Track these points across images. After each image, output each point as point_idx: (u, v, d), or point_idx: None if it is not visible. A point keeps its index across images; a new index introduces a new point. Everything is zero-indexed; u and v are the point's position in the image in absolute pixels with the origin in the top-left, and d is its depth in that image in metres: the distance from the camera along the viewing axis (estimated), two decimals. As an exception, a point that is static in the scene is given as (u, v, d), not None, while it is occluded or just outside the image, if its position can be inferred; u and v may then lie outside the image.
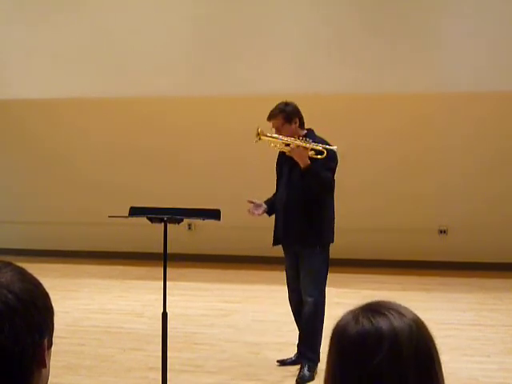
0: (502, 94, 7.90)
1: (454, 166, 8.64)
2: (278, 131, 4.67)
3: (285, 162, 4.74)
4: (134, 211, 4.13)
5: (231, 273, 8.39)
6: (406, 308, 1.24)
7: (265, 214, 4.82)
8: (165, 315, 4.00)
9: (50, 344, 1.15)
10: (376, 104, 8.54)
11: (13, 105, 9.30)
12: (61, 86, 8.10)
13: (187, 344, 5.39)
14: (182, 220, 4.01)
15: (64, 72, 8.04)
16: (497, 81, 7.21)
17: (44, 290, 1.15)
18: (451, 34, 7.31)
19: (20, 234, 9.73)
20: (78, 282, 7.87)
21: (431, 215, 8.69)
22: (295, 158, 4.53)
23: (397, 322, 1.18)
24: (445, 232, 8.76)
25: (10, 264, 1.15)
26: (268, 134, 4.65)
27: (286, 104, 4.70)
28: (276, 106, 4.71)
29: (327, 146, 4.56)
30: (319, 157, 4.53)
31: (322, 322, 4.64)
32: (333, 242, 4.74)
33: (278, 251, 4.98)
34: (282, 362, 4.89)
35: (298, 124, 4.68)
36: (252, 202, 4.77)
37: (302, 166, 4.49)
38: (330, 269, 4.73)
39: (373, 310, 1.22)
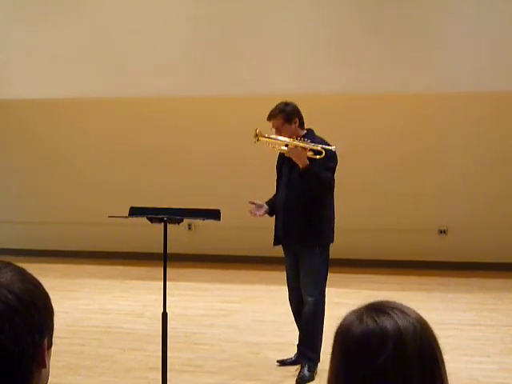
0: (502, 94, 7.89)
1: (454, 166, 8.64)
2: (278, 131, 4.67)
3: (285, 162, 4.73)
4: (134, 211, 4.13)
5: (231, 273, 8.39)
6: (409, 308, 1.24)
7: (266, 214, 4.83)
8: (165, 315, 4.00)
9: (50, 344, 1.15)
10: (376, 104, 8.54)
11: (13, 105, 9.30)
12: (61, 86, 8.10)
13: (187, 344, 5.39)
14: (181, 220, 4.01)
15: (64, 72, 8.04)
16: (497, 81, 7.21)
17: (44, 290, 1.15)
18: (451, 34, 7.31)
19: (20, 234, 9.73)
20: (77, 282, 7.87)
21: (431, 215, 8.69)
22: (294, 159, 4.52)
23: (401, 322, 1.19)
24: (445, 232, 8.76)
25: (10, 264, 1.15)
26: (266, 135, 4.64)
27: (286, 104, 4.70)
28: (276, 106, 4.71)
29: (326, 146, 4.56)
30: (318, 157, 4.53)
31: (322, 322, 4.64)
32: (333, 241, 4.74)
33: (278, 251, 4.98)
34: (282, 362, 4.89)
35: (297, 124, 4.67)
36: (253, 203, 4.77)
37: (300, 166, 4.49)
38: (330, 269, 4.73)
39: (377, 309, 1.22)
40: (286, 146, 4.60)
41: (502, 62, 7.16)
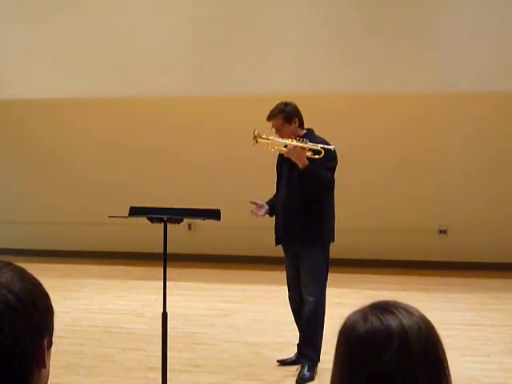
0: (501, 94, 7.90)
1: (454, 166, 8.64)
2: (278, 131, 4.67)
3: (284, 162, 4.73)
4: (134, 211, 4.13)
5: (231, 273, 8.39)
6: (413, 307, 1.24)
7: (266, 214, 4.83)
8: (165, 315, 4.00)
9: (50, 344, 1.15)
10: (376, 104, 8.54)
11: (13, 105, 9.30)
12: (61, 86, 8.10)
13: (187, 344, 5.39)
14: (181, 220, 4.01)
15: (64, 72, 8.04)
16: (497, 81, 7.21)
17: (44, 290, 1.15)
18: (451, 33, 7.31)
19: (20, 234, 9.73)
20: (77, 282, 7.87)
21: (431, 215, 8.69)
22: (293, 159, 4.52)
23: (406, 320, 1.19)
24: (445, 232, 8.76)
25: (9, 264, 1.15)
26: (263, 136, 4.64)
27: (286, 104, 4.70)
28: (276, 106, 4.71)
29: (325, 146, 4.55)
30: (317, 157, 4.52)
31: (323, 322, 4.64)
32: (333, 241, 4.74)
33: (278, 251, 4.98)
34: (282, 362, 4.89)
35: (297, 124, 4.67)
36: (254, 203, 4.77)
37: (300, 166, 4.49)
38: (330, 269, 4.73)
39: (381, 308, 1.22)
40: (285, 146, 4.60)
41: (501, 62, 7.16)
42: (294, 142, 4.54)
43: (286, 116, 4.64)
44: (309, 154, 4.52)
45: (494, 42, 7.14)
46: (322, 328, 4.64)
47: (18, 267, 1.15)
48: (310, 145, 4.53)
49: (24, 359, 1.07)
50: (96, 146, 9.45)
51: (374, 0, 7.47)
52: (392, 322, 1.18)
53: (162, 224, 3.96)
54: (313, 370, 4.61)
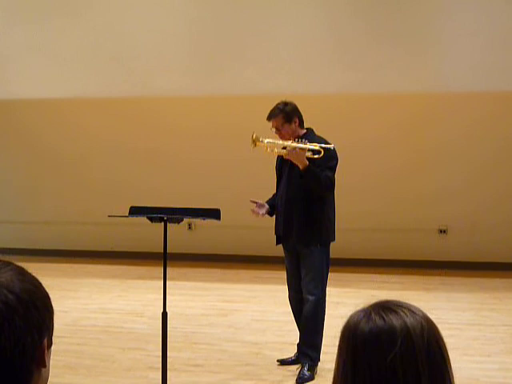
0: (501, 94, 7.90)
1: (453, 166, 8.64)
2: (278, 131, 4.67)
3: (284, 162, 4.73)
4: (134, 211, 4.13)
5: (231, 273, 8.39)
6: (416, 307, 1.25)
7: (267, 214, 4.83)
8: (165, 315, 4.00)
9: (50, 344, 1.15)
10: (376, 104, 8.54)
11: (13, 105, 9.30)
12: (61, 86, 8.10)
13: (187, 344, 5.39)
14: (182, 219, 4.01)
15: (64, 72, 8.03)
16: (496, 80, 7.21)
17: (44, 289, 1.15)
18: (450, 33, 7.30)
19: (20, 233, 9.73)
20: (77, 282, 7.87)
21: (431, 215, 8.69)
22: (293, 161, 4.52)
23: (409, 320, 1.19)
24: (445, 232, 8.76)
25: (10, 264, 1.15)
26: (262, 139, 4.64)
27: (286, 104, 4.70)
28: (275, 106, 4.71)
29: (324, 145, 4.55)
30: (316, 156, 4.52)
31: (323, 321, 4.64)
32: (334, 240, 4.74)
33: (278, 251, 4.98)
34: (283, 362, 4.89)
35: (297, 124, 4.68)
36: (255, 202, 4.77)
37: (300, 167, 4.49)
38: (330, 269, 4.73)
39: (384, 307, 1.22)
40: (284, 148, 4.60)
41: (501, 61, 7.16)
42: (293, 144, 4.54)
43: (286, 116, 4.64)
44: (308, 154, 4.52)
45: (493, 42, 7.14)
46: (323, 327, 4.64)
47: (18, 267, 1.15)
48: (309, 145, 4.53)
49: (24, 359, 1.07)
50: (96, 145, 9.45)
51: (374, 1, 7.47)
52: (395, 321, 1.19)
53: (162, 224, 3.96)
54: (313, 369, 4.62)
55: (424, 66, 7.32)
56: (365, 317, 1.21)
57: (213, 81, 7.73)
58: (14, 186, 9.82)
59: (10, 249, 9.27)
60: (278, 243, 4.83)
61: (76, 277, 8.21)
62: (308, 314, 4.63)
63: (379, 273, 8.12)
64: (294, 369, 4.72)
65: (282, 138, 4.69)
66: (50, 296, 1.16)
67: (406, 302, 1.26)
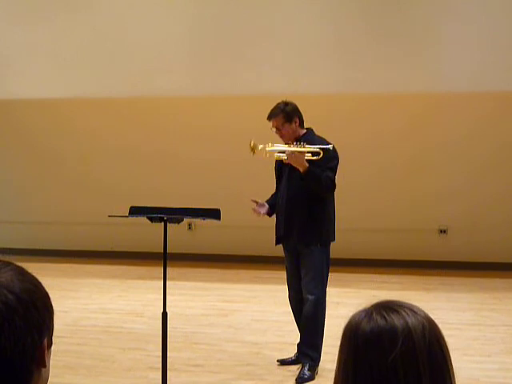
0: (501, 94, 7.89)
1: (453, 166, 8.64)
2: (279, 131, 4.68)
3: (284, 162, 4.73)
4: (134, 211, 4.13)
5: (231, 273, 8.39)
6: (417, 307, 1.25)
7: (266, 214, 4.83)
8: (165, 315, 4.01)
9: (50, 344, 1.15)
10: (376, 104, 8.54)
11: (13, 105, 9.29)
12: (61, 86, 8.10)
13: (187, 344, 5.39)
14: (182, 220, 4.01)
15: (64, 72, 8.03)
16: (496, 81, 7.21)
17: (44, 289, 1.15)
18: (451, 33, 7.30)
19: (20, 233, 9.73)
20: (77, 282, 7.87)
21: (431, 215, 8.69)
22: (293, 164, 4.53)
23: (410, 320, 1.19)
24: (445, 232, 8.76)
25: (10, 264, 1.15)
26: (260, 147, 4.65)
27: (286, 103, 4.71)
28: (276, 106, 4.71)
29: (322, 146, 4.55)
30: (315, 158, 4.53)
31: (323, 321, 4.65)
32: (334, 240, 4.74)
33: (278, 251, 4.98)
34: (283, 362, 4.89)
35: (298, 123, 4.68)
36: (256, 202, 4.77)
37: (301, 170, 4.49)
38: (330, 269, 4.73)
39: (386, 307, 1.22)
40: (283, 152, 4.61)
41: (501, 61, 7.15)
42: (292, 148, 4.54)
43: (287, 115, 4.65)
44: (308, 155, 4.52)
45: (493, 42, 7.14)
46: (323, 327, 4.64)
47: (18, 267, 1.15)
48: (307, 148, 4.53)
49: (24, 359, 1.07)
50: (96, 145, 9.45)
51: (374, 1, 7.47)
52: (397, 321, 1.19)
53: (162, 224, 3.96)
54: (313, 369, 4.62)
55: (424, 65, 7.32)
56: (366, 316, 1.21)
57: (213, 81, 7.73)
58: (14, 185, 9.81)
59: (9, 249, 9.27)
60: (277, 243, 4.83)
61: (76, 277, 8.21)
62: (308, 314, 4.63)
63: (379, 273, 8.12)
64: (294, 369, 4.72)
65: (283, 137, 4.70)
66: (50, 296, 1.16)
67: (408, 302, 1.26)
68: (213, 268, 8.57)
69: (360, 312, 1.24)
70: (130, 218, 4.13)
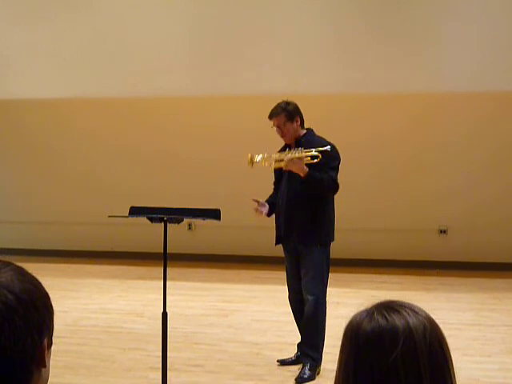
0: (502, 94, 7.89)
1: (453, 166, 8.64)
2: (280, 130, 4.68)
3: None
4: (134, 211, 4.13)
5: (231, 273, 8.39)
6: (419, 307, 1.25)
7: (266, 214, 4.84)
8: (165, 315, 4.00)
9: (50, 344, 1.15)
10: (376, 104, 8.54)
11: (13, 105, 9.29)
12: (61, 86, 8.10)
13: (187, 344, 5.39)
14: (182, 220, 4.01)
15: (64, 72, 8.03)
16: (496, 81, 7.21)
17: (44, 289, 1.15)
18: (451, 33, 7.30)
19: (20, 233, 9.72)
20: (77, 282, 7.87)
21: (431, 215, 8.69)
22: (293, 171, 4.53)
23: (411, 320, 1.19)
24: (445, 232, 8.76)
25: (9, 264, 1.15)
26: (258, 160, 4.67)
27: (287, 103, 4.71)
28: (277, 105, 4.72)
29: (320, 148, 4.54)
30: (315, 161, 4.52)
31: (324, 321, 4.64)
32: (333, 240, 4.74)
33: (278, 251, 4.98)
34: (283, 362, 4.89)
35: (299, 123, 4.69)
36: (257, 201, 4.77)
37: (301, 175, 4.49)
38: (330, 269, 4.73)
39: (387, 307, 1.22)
40: (281, 160, 4.61)
41: (501, 61, 7.15)
42: (290, 155, 4.54)
43: (289, 114, 4.65)
44: (308, 159, 4.52)
45: (493, 42, 7.14)
46: (323, 327, 4.64)
47: (18, 267, 1.15)
48: (305, 152, 4.52)
49: (24, 359, 1.07)
50: (96, 145, 9.45)
51: (374, 0, 7.46)
52: (398, 321, 1.19)
53: (162, 224, 3.96)
54: (313, 369, 4.61)
55: (424, 65, 7.32)
56: (367, 316, 1.21)
57: (213, 81, 7.72)
58: (14, 186, 9.81)
59: (9, 249, 9.27)
60: (277, 243, 4.83)
61: (76, 277, 8.20)
62: (308, 314, 4.63)
63: (379, 273, 8.12)
64: (294, 369, 4.72)
65: (284, 136, 4.71)
66: (50, 296, 1.16)
67: (409, 302, 1.26)
68: (213, 268, 8.57)
69: (361, 312, 1.24)
70: (129, 218, 4.13)
